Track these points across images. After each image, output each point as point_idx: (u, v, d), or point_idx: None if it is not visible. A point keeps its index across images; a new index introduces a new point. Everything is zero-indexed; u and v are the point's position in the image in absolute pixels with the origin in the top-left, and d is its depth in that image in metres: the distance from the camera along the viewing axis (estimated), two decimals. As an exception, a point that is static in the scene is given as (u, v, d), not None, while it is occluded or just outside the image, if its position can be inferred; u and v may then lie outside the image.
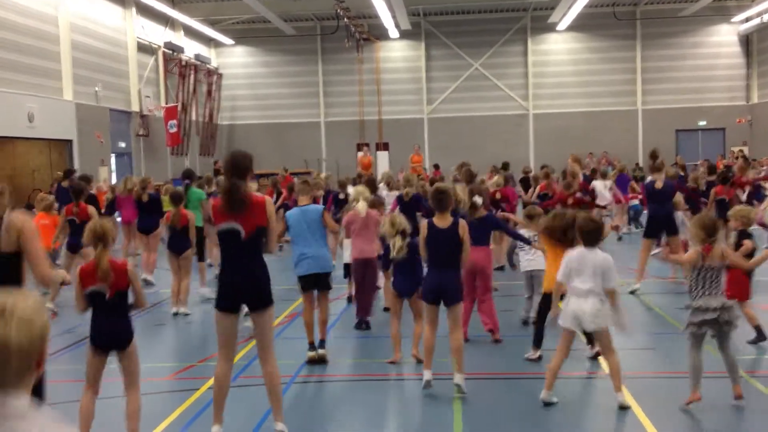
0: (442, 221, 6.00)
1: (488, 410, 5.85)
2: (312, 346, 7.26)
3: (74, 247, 10.01)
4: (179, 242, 9.88)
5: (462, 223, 6.06)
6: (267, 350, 5.04)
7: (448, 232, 5.92)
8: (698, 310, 5.53)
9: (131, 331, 4.98)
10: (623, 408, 5.65)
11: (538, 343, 7.03)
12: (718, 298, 5.55)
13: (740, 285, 7.11)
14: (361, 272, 8.42)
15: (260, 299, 4.95)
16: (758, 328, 7.43)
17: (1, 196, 4.45)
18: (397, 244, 6.88)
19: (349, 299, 9.77)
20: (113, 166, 25.69)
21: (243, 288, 4.92)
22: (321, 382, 6.77)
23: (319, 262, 7.14)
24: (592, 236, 5.83)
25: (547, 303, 6.64)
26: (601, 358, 6.52)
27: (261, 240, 5.01)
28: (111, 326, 4.89)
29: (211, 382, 6.64)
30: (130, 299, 5.07)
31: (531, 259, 8.99)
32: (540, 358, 6.94)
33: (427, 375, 6.06)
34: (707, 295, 5.55)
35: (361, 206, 8.28)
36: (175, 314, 9.70)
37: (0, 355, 1.69)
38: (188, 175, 12.07)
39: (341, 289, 10.00)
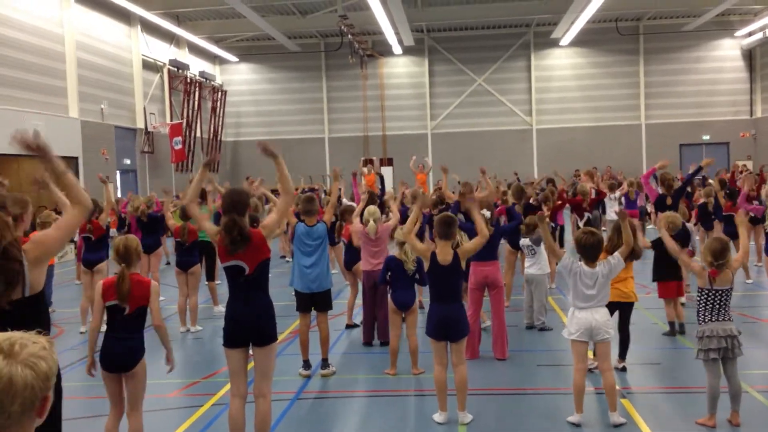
0: (444, 254, 5.82)
1: (493, 426, 5.83)
2: (306, 364, 7.38)
3: (90, 263, 9.86)
4: (187, 257, 9.86)
5: (458, 256, 5.87)
6: (265, 386, 5.00)
7: (451, 266, 5.82)
8: (706, 338, 5.48)
9: (141, 350, 4.93)
10: (618, 426, 5.62)
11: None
12: (725, 324, 5.48)
13: (677, 288, 8.52)
14: (371, 283, 8.49)
15: (262, 336, 4.95)
16: (672, 324, 8.53)
17: (5, 227, 3.29)
18: (408, 255, 7.32)
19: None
20: (118, 183, 25.79)
21: (247, 325, 4.93)
22: (325, 398, 6.76)
23: (316, 280, 7.25)
24: (592, 251, 5.73)
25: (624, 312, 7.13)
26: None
27: (266, 274, 5.03)
28: (122, 344, 4.86)
29: (215, 398, 6.66)
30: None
31: (531, 263, 9.12)
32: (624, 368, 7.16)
33: (441, 417, 5.88)
34: (714, 321, 5.49)
35: (371, 227, 8.43)
36: (186, 332, 9.70)
37: (3, 393, 1.66)
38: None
39: (343, 305, 9.96)
